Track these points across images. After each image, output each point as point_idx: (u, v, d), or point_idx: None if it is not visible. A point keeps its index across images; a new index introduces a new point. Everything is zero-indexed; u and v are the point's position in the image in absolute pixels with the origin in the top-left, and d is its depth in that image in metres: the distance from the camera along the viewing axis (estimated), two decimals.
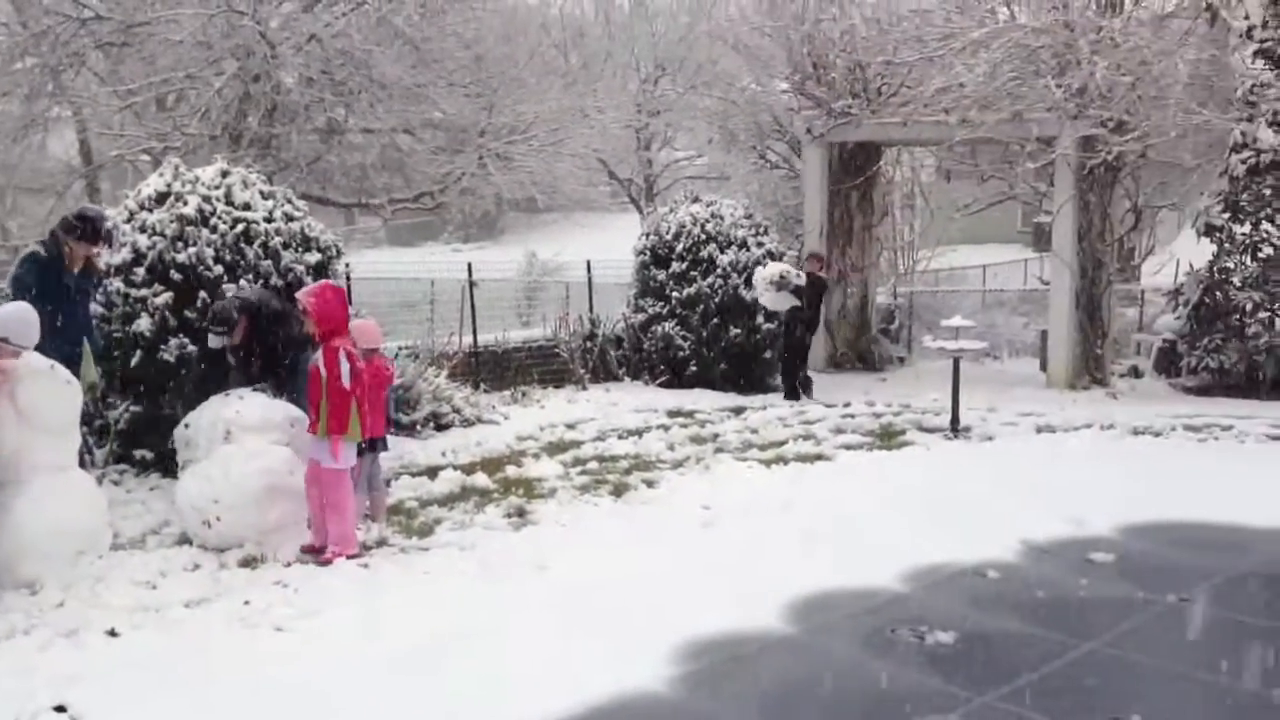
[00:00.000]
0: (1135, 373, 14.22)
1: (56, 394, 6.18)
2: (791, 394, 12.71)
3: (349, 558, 6.49)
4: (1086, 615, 5.86)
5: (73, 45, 16.34)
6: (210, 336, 7.74)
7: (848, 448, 9.92)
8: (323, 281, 7.11)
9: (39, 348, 6.30)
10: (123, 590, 5.84)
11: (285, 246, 8.74)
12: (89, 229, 7.50)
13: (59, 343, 6.87)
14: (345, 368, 6.56)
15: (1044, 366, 14.38)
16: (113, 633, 5.31)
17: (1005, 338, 17.49)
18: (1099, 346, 13.68)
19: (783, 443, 10.10)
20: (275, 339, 7.78)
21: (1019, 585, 6.28)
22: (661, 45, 26.29)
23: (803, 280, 12.47)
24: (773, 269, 12.50)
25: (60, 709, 4.50)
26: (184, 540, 6.80)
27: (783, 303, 12.50)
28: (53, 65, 16.66)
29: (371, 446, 7.28)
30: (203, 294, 8.21)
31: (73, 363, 6.95)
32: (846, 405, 12.19)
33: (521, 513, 7.68)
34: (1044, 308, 15.50)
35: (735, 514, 7.59)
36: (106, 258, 8.47)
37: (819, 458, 9.49)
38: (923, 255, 20.38)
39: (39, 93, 17.21)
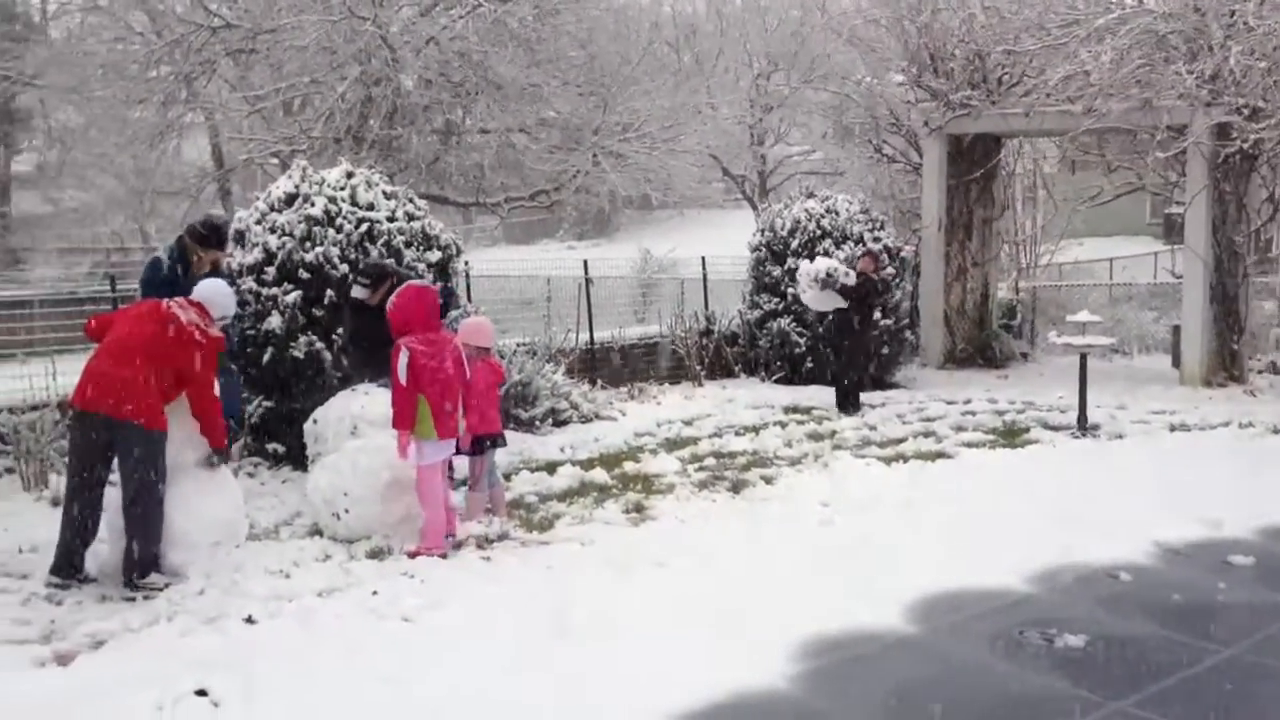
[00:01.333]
0: (1275, 369, 13.66)
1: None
2: (844, 406, 11.58)
3: (440, 556, 6.53)
4: (1225, 620, 5.66)
5: (204, 53, 16.93)
6: (355, 286, 7.85)
7: (970, 445, 9.73)
8: (410, 282, 7.17)
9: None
10: (259, 579, 6.02)
11: (407, 245, 8.93)
12: (216, 236, 7.64)
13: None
14: (403, 363, 6.53)
15: (1176, 363, 13.90)
16: (250, 620, 5.48)
17: (1134, 333, 16.94)
18: (1235, 342, 13.18)
19: (902, 440, 9.96)
20: None
21: (1153, 588, 6.09)
22: (774, 40, 26.10)
23: (851, 280, 11.43)
24: (819, 264, 11.64)
25: (202, 693, 4.64)
26: (315, 531, 6.99)
27: (826, 302, 11.61)
28: (186, 73, 17.30)
29: (492, 443, 7.40)
30: (330, 292, 8.44)
31: None
32: (967, 402, 11.96)
33: (640, 508, 7.71)
34: (1175, 302, 15.00)
35: (854, 511, 7.51)
36: (239, 257, 8.79)
37: (940, 455, 9.33)
38: (1046, 249, 19.87)
39: (173, 100, 17.87)
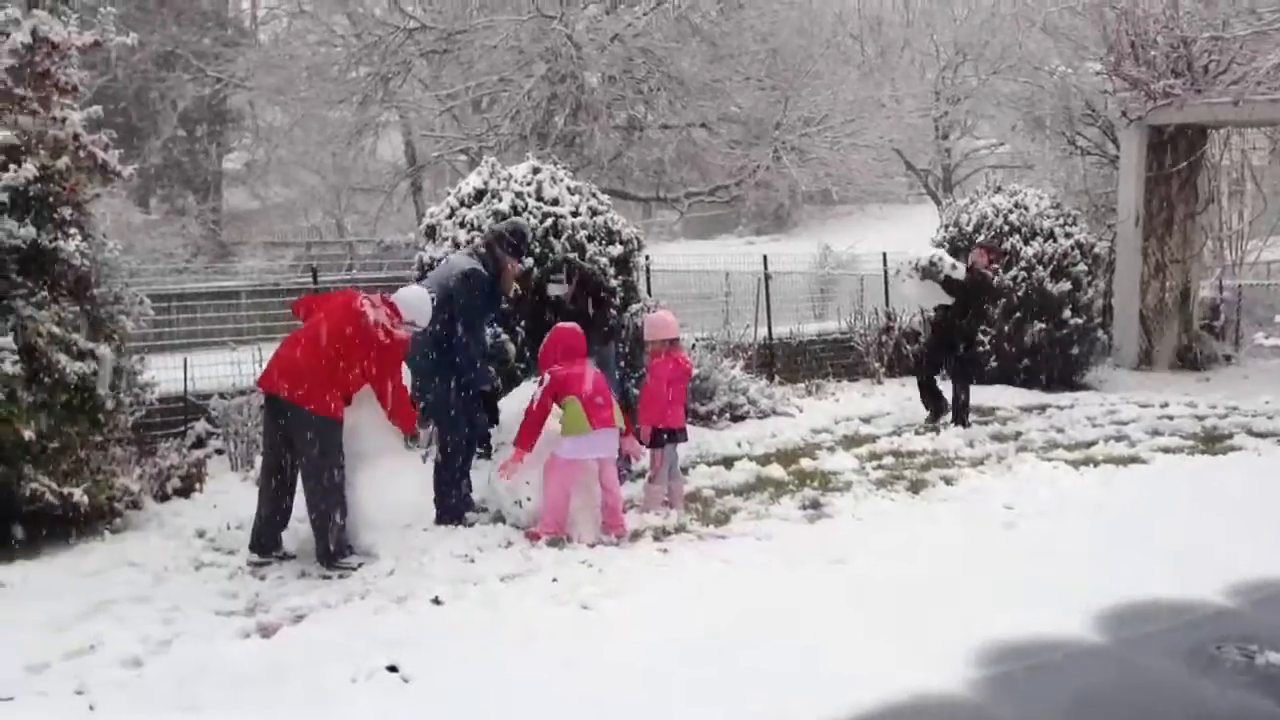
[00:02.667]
0: None
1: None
2: (936, 415, 10.50)
3: (549, 543, 6.64)
4: None
5: (400, 54, 17.63)
6: (551, 284, 8.03)
7: (1165, 451, 9.30)
8: (555, 326, 7.33)
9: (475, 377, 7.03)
10: (445, 562, 6.25)
11: (590, 239, 9.09)
12: (522, 245, 7.55)
13: (481, 355, 7.23)
14: (543, 385, 6.85)
15: None
16: (437, 601, 5.70)
17: None
18: None
19: (1092, 443, 9.59)
20: (590, 318, 7.92)
21: None
22: (963, 30, 25.41)
23: (960, 273, 10.26)
24: (925, 252, 10.58)
25: (393, 669, 4.86)
26: (498, 518, 7.20)
27: (927, 297, 10.43)
28: (383, 73, 18.06)
29: (671, 437, 7.49)
30: (515, 286, 8.64)
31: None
32: (1164, 406, 11.43)
33: (817, 505, 7.66)
34: None
35: (1040, 515, 7.29)
36: (430, 251, 9.12)
37: (1133, 460, 8.95)
38: (1253, 245, 18.75)
39: (370, 99, 18.68)
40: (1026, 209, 12.96)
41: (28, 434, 6.41)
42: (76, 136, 6.97)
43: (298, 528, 6.57)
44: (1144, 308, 14.58)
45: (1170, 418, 10.80)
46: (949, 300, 10.27)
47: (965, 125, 27.45)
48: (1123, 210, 14.49)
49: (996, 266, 11.41)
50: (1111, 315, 14.56)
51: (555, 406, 6.81)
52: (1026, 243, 12.70)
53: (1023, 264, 12.63)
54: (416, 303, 6.62)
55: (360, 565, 6.23)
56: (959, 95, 25.40)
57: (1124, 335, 14.45)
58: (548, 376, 6.88)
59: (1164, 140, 14.51)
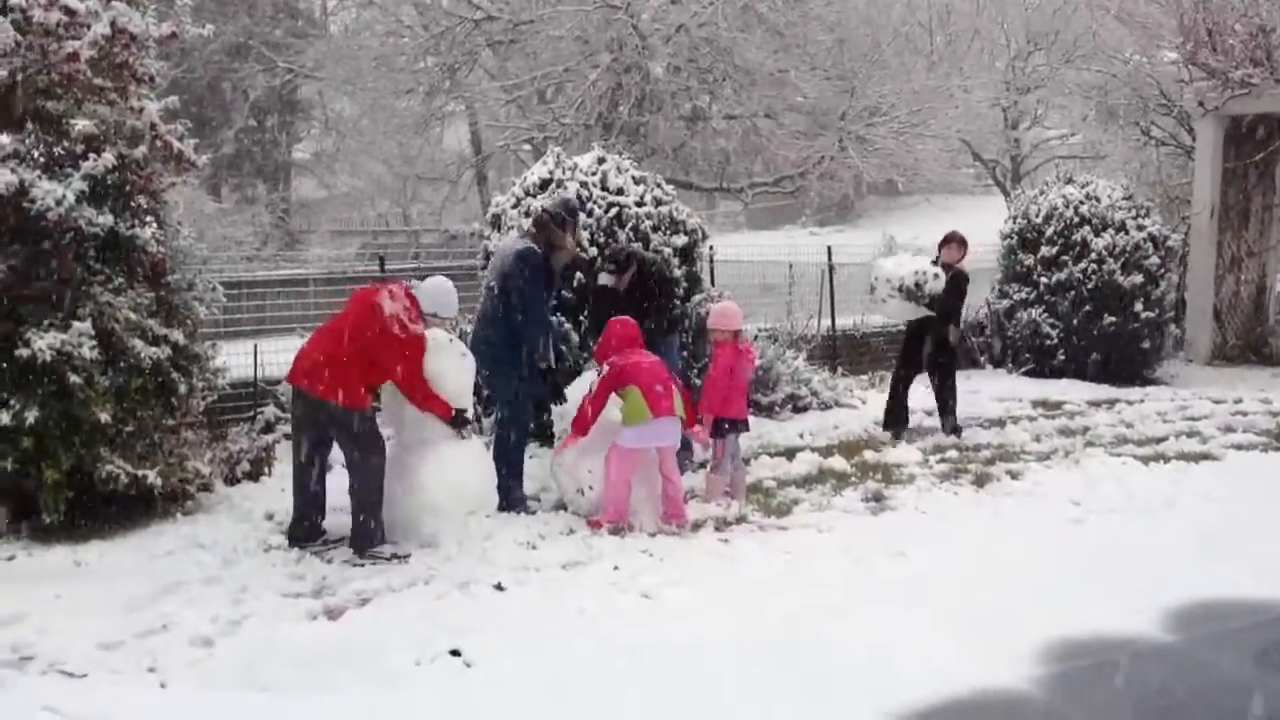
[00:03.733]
0: None
1: (456, 364, 6.75)
2: (894, 429, 9.65)
3: (612, 532, 6.69)
4: None
5: (467, 44, 17.75)
6: (602, 274, 8.00)
7: (1239, 448, 9.10)
8: (611, 319, 7.32)
9: (539, 355, 7.04)
10: (507, 549, 6.31)
11: (654, 229, 9.09)
12: (570, 216, 7.37)
13: (544, 334, 7.17)
14: (601, 374, 6.95)
15: None
16: (499, 587, 5.75)
17: None
18: None
19: (1162, 439, 9.42)
20: (653, 305, 7.95)
21: None
22: (1035, 18, 24.96)
23: (942, 283, 9.24)
24: (904, 264, 9.30)
25: (455, 653, 4.93)
26: (560, 506, 7.25)
27: (908, 311, 9.38)
28: (449, 64, 18.20)
29: (733, 427, 7.48)
30: (579, 275, 8.69)
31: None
32: (1238, 401, 11.18)
33: (879, 498, 7.61)
34: None
35: (1108, 512, 7.18)
36: (494, 241, 9.18)
37: (1204, 457, 8.77)
38: None
39: (437, 90, 18.83)
40: (1098, 200, 12.73)
41: (104, 417, 6.57)
42: (153, 126, 7.11)
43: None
44: (1218, 301, 14.27)
45: (1244, 414, 10.56)
46: (931, 312, 9.33)
47: (1035, 115, 26.96)
48: (1197, 202, 14.18)
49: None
50: (1184, 309, 14.26)
51: (615, 396, 6.84)
52: (1097, 234, 12.48)
53: (1093, 256, 12.43)
54: (436, 293, 6.68)
55: (392, 557, 6.26)
56: (1029, 85, 24.97)
57: (1197, 329, 14.16)
58: (606, 367, 6.94)
59: (1241, 130, 14.18)
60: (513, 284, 7.04)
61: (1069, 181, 13.31)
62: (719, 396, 7.40)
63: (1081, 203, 12.72)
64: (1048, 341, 12.63)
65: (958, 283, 9.38)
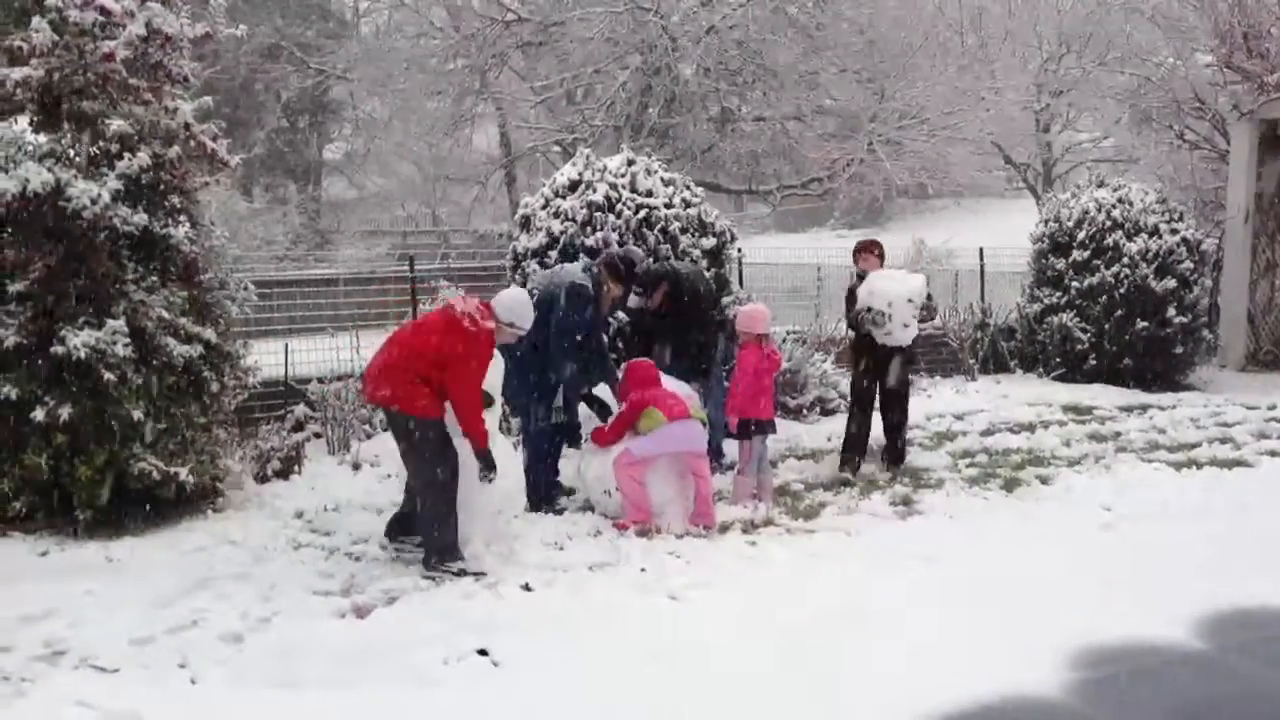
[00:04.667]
0: None
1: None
2: (852, 465, 8.43)
3: (639, 532, 6.69)
4: None
5: (497, 46, 17.82)
6: (632, 296, 7.80)
7: (1273, 454, 8.99)
8: (628, 362, 7.41)
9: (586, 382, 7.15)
10: (535, 549, 6.32)
11: (683, 231, 9.10)
12: (630, 275, 7.45)
13: (584, 374, 7.26)
14: (621, 419, 7.00)
15: None
16: (527, 587, 5.77)
17: None
18: None
19: (1195, 445, 9.32)
20: (689, 320, 7.96)
21: None
22: (1068, 21, 24.78)
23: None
24: (911, 282, 8.28)
25: (483, 652, 4.94)
26: (587, 507, 7.25)
27: (913, 334, 8.40)
28: (479, 66, 18.27)
29: (759, 429, 7.47)
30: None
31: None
32: (1271, 408, 11.05)
33: (908, 502, 7.58)
34: None
35: (1139, 518, 7.12)
36: (524, 241, 9.19)
37: (1238, 463, 8.68)
38: None
39: (467, 91, 18.93)
40: (1130, 204, 12.62)
41: (137, 414, 6.64)
42: (187, 126, 7.18)
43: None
44: (1252, 307, 14.11)
45: (1278, 420, 10.44)
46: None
47: (1067, 118, 26.78)
48: (1232, 206, 14.03)
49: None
50: (1218, 314, 14.11)
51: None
52: (1130, 239, 12.37)
53: (1125, 261, 12.31)
54: (515, 304, 6.41)
55: (461, 571, 5.97)
56: (1062, 87, 24.78)
57: (1231, 335, 14.00)
58: (628, 405, 7.03)
59: (1277, 135, 14.01)
60: (556, 307, 7.07)
61: (1101, 185, 13.20)
62: (744, 398, 7.39)
63: (1114, 206, 12.61)
64: (1079, 346, 12.53)
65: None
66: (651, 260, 8.31)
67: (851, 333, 8.73)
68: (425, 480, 6.10)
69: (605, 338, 7.83)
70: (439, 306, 6.46)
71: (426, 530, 6.13)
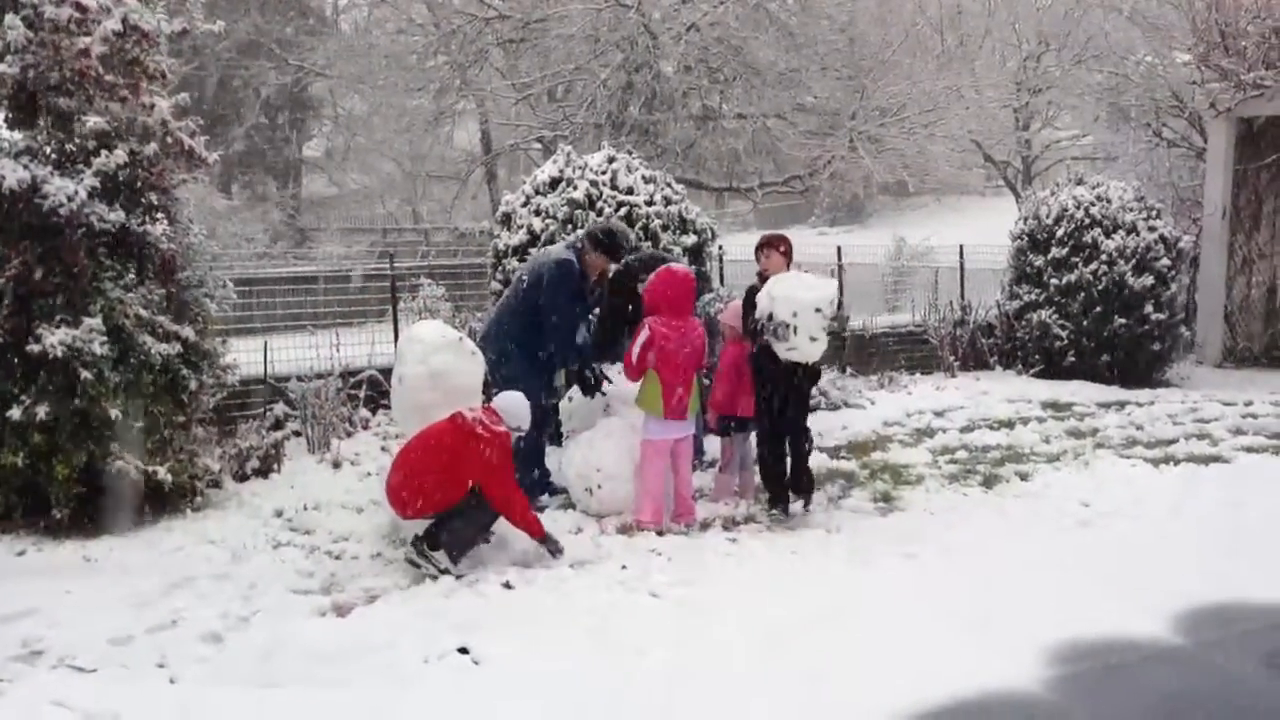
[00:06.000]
0: None
1: (465, 362, 6.69)
2: (782, 499, 7.16)
3: (656, 532, 6.68)
4: None
5: (478, 43, 17.75)
6: (639, 284, 7.42)
7: (1249, 450, 9.06)
8: (670, 265, 7.27)
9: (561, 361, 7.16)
10: (516, 547, 6.31)
11: (664, 229, 9.09)
12: (611, 245, 7.34)
13: (572, 352, 7.30)
14: (641, 340, 6.80)
15: None
16: (508, 585, 5.76)
17: None
18: None
19: (1172, 441, 9.38)
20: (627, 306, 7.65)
21: None
22: (1046, 18, 24.85)
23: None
24: (825, 290, 6.96)
25: (463, 650, 4.94)
26: (568, 505, 7.25)
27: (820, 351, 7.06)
28: (460, 62, 18.20)
29: (742, 426, 7.46)
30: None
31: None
32: (1248, 404, 11.13)
33: (888, 498, 7.61)
34: None
35: (1117, 514, 7.16)
36: (504, 239, 9.17)
37: (1215, 459, 8.74)
38: None
39: (448, 88, 18.84)
40: (1109, 201, 12.69)
41: (114, 413, 6.59)
42: (165, 123, 7.13)
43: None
44: (1229, 304, 14.22)
45: (1255, 416, 10.52)
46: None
47: (1046, 116, 26.87)
48: (1209, 204, 14.13)
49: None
50: (1195, 311, 14.21)
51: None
52: (1108, 236, 12.43)
53: (1104, 258, 12.38)
54: (516, 409, 6.30)
55: (444, 571, 5.88)
56: (1041, 85, 24.86)
57: (1208, 331, 14.11)
58: (647, 330, 6.80)
59: (1254, 132, 14.12)
60: (543, 285, 7.17)
61: (1080, 182, 13.27)
62: (726, 395, 7.38)
63: (1092, 204, 12.68)
64: (1058, 343, 12.60)
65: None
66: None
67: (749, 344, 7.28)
68: (454, 533, 6.03)
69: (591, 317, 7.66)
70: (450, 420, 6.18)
71: (453, 521, 5.98)
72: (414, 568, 5.94)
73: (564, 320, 7.21)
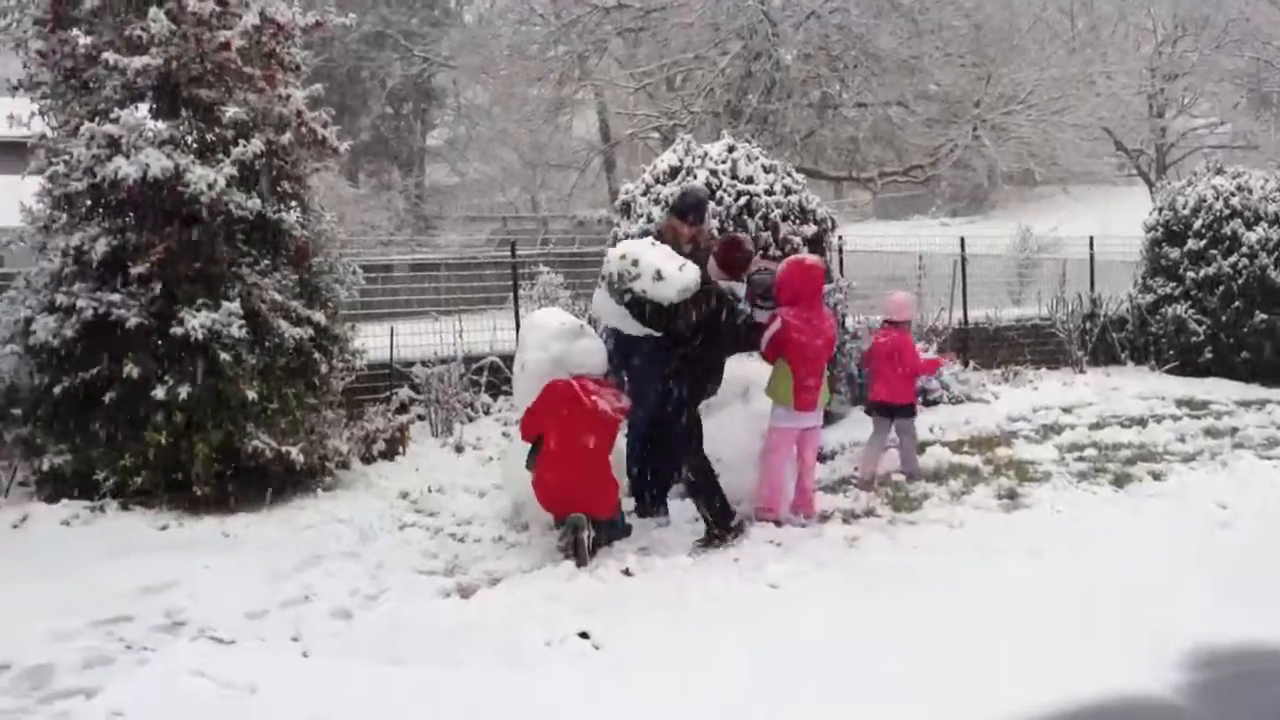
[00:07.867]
0: None
1: (583, 349, 6.65)
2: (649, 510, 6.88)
3: (774, 522, 6.64)
4: None
5: (597, 33, 17.87)
6: (758, 310, 6.81)
7: None
8: (798, 255, 7.19)
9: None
10: (635, 535, 6.35)
11: (784, 219, 9.00)
12: (680, 206, 6.98)
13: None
14: (772, 330, 6.60)
15: None
16: (627, 572, 5.80)
17: None
18: None
19: None
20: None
21: None
22: (1183, 2, 24.00)
23: (691, 277, 6.28)
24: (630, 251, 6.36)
25: (584, 635, 4.99)
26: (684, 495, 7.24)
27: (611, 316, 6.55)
28: (579, 52, 18.35)
29: (900, 412, 7.93)
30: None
31: None
32: None
33: (1013, 495, 7.43)
34: None
35: (1259, 516, 6.87)
36: (624, 227, 9.21)
37: None
38: None
39: (568, 78, 19.03)
40: (1250, 192, 12.19)
41: (250, 394, 6.82)
42: (299, 113, 7.35)
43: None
44: None
45: None
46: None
47: (1182, 103, 25.90)
48: None
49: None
50: None
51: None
52: (1249, 228, 11.96)
53: (1244, 250, 11.91)
54: (581, 355, 6.37)
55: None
56: (1176, 71, 23.98)
57: None
58: (779, 321, 6.65)
59: None
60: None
61: (1219, 172, 12.79)
62: (884, 383, 7.97)
63: (1232, 194, 12.21)
64: (1194, 339, 12.17)
65: (710, 297, 6.33)
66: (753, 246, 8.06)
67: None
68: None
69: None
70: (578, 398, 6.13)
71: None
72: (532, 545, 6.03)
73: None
